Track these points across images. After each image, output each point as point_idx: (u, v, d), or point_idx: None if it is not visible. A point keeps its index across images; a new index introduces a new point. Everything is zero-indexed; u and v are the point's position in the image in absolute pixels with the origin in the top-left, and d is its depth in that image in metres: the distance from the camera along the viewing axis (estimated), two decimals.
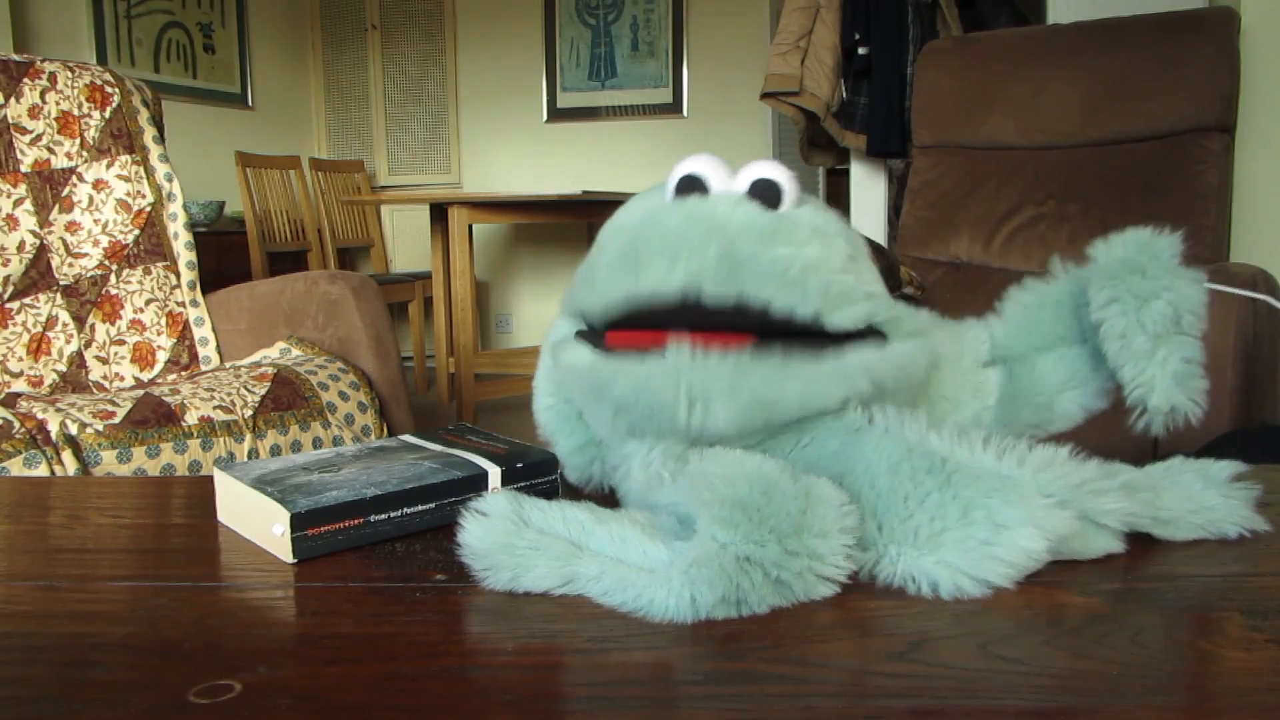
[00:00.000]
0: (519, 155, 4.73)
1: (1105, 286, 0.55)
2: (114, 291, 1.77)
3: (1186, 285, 0.54)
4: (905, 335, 0.55)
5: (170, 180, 1.85)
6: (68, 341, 1.71)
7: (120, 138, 1.81)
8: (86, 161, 1.78)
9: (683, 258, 0.50)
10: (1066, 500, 0.47)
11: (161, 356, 1.77)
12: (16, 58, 1.76)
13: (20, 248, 1.70)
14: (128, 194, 1.80)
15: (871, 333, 0.53)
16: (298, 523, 0.53)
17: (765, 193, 0.53)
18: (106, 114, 1.81)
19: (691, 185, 0.54)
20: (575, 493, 0.64)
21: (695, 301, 0.50)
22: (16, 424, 1.22)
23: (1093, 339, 0.57)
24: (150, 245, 1.81)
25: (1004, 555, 0.46)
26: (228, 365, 1.73)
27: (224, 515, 0.62)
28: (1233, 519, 0.54)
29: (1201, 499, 0.54)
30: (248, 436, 1.40)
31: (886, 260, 1.72)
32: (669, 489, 0.51)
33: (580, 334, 0.57)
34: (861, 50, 2.68)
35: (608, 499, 0.62)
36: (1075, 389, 0.59)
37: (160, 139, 1.88)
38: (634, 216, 0.55)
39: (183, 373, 1.76)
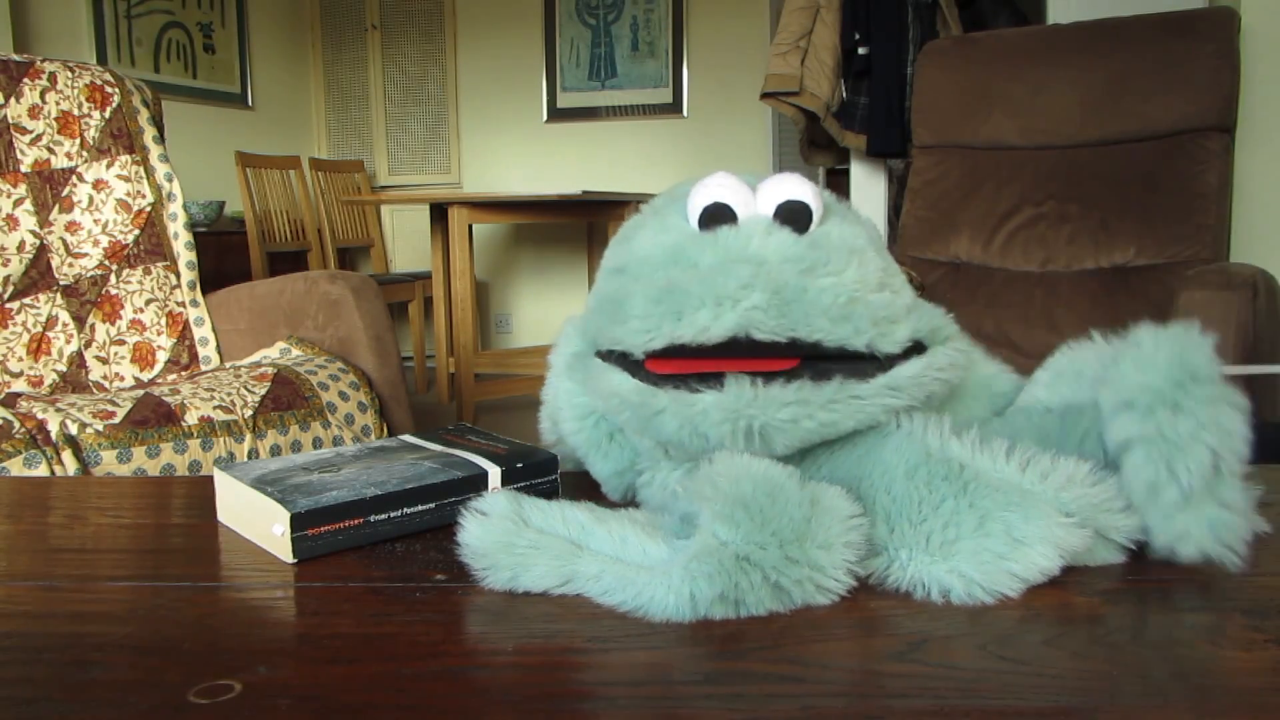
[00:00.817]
0: (519, 155, 4.73)
1: (1131, 422, 0.47)
2: (114, 291, 1.77)
3: (1229, 418, 0.46)
4: (942, 340, 0.54)
5: (170, 180, 1.85)
6: (68, 341, 1.71)
7: (120, 138, 1.81)
8: (86, 161, 1.78)
9: (727, 303, 0.48)
10: (1085, 519, 0.47)
11: (161, 356, 1.77)
12: (16, 58, 1.76)
13: (20, 248, 1.70)
14: (128, 194, 1.80)
15: (912, 348, 0.52)
16: (298, 523, 0.53)
17: (794, 217, 0.52)
18: (106, 114, 1.81)
19: (717, 215, 0.52)
20: (575, 492, 0.64)
21: (745, 342, 0.49)
22: (16, 424, 1.22)
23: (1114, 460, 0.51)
24: (150, 245, 1.81)
25: (1019, 571, 0.45)
26: (228, 365, 1.73)
27: (224, 515, 0.62)
28: None
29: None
30: (248, 436, 1.40)
31: None
32: (682, 500, 0.51)
33: (608, 358, 0.55)
34: (861, 50, 2.68)
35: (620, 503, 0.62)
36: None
37: (160, 139, 1.88)
38: (659, 248, 0.54)
39: (183, 373, 1.76)
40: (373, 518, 0.56)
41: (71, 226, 1.76)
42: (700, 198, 0.53)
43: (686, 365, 0.51)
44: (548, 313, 4.72)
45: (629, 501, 0.62)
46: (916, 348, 0.52)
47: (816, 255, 0.50)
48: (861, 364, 0.50)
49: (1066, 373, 0.57)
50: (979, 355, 0.62)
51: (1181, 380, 0.46)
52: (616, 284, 0.54)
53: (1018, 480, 0.47)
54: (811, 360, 0.50)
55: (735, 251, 0.50)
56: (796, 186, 0.52)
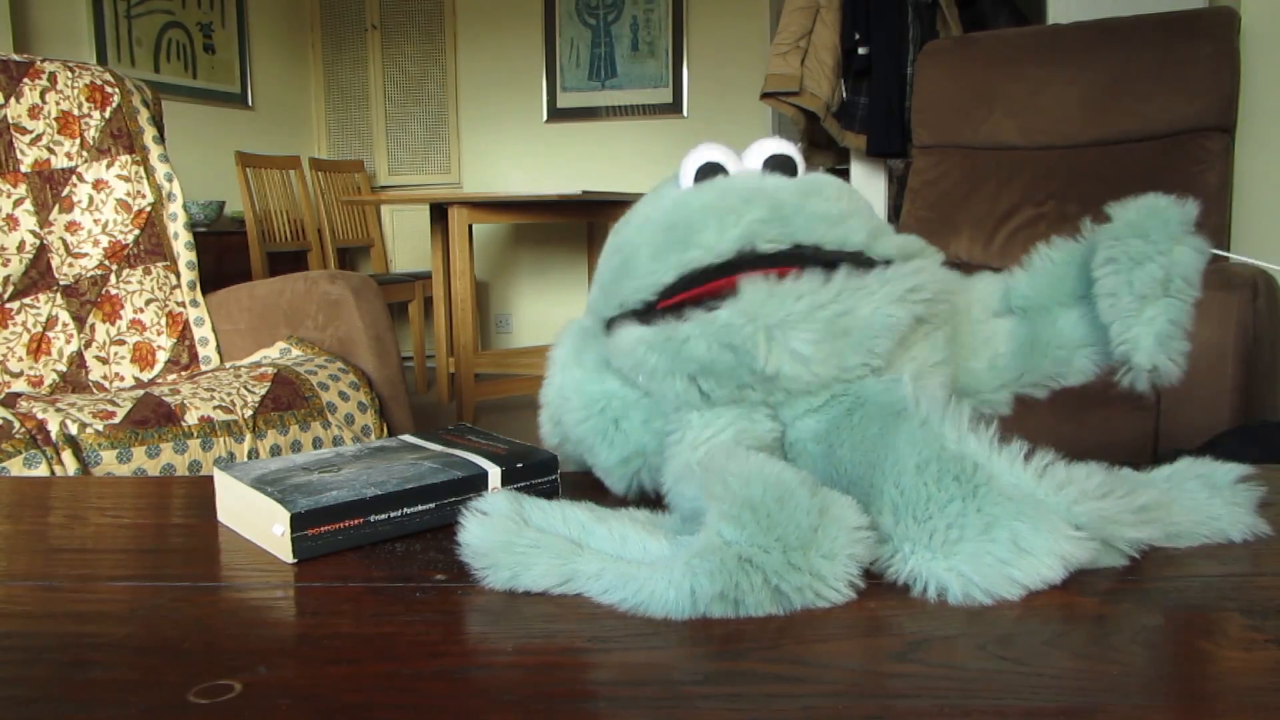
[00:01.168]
0: (519, 155, 4.73)
1: (1107, 246, 0.56)
2: (114, 291, 1.77)
3: (1184, 251, 0.54)
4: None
5: (170, 180, 1.85)
6: (68, 341, 1.71)
7: (120, 138, 1.81)
8: (86, 161, 1.78)
9: (731, 221, 0.52)
10: (1093, 532, 0.47)
11: (161, 356, 1.77)
12: (16, 58, 1.76)
13: (20, 248, 1.70)
14: (128, 194, 1.80)
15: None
16: (298, 523, 0.53)
17: (782, 165, 0.57)
18: (106, 114, 1.81)
19: (709, 171, 0.57)
20: (575, 492, 0.64)
21: (750, 256, 0.51)
22: (16, 424, 1.22)
23: None
24: (150, 245, 1.81)
25: (1020, 578, 0.45)
26: (228, 365, 1.73)
27: (224, 515, 0.62)
28: (1237, 525, 0.54)
29: (1207, 509, 0.54)
30: (248, 436, 1.40)
31: None
32: (695, 483, 0.51)
33: (625, 315, 0.57)
34: (861, 50, 2.68)
35: (649, 502, 0.62)
36: (1090, 346, 0.60)
37: (160, 139, 1.88)
38: (659, 208, 0.57)
39: (183, 373, 1.76)
40: (373, 518, 0.56)
41: (71, 226, 1.76)
42: (691, 161, 0.57)
43: (698, 291, 0.53)
44: (548, 313, 4.72)
45: (632, 497, 0.63)
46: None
47: (809, 185, 0.56)
48: (864, 269, 0.54)
49: (1069, 269, 0.61)
50: (958, 281, 0.64)
51: (1155, 218, 0.55)
52: (619, 255, 0.58)
53: (1032, 489, 0.47)
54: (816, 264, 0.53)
55: (735, 187, 0.55)
56: (780, 144, 0.57)
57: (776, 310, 0.50)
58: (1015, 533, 0.45)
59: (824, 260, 0.53)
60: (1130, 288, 0.54)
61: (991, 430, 0.49)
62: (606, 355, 0.59)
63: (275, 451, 1.43)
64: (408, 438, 0.69)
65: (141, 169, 1.82)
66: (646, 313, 0.55)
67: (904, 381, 0.52)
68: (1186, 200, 0.56)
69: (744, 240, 0.51)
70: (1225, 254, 0.67)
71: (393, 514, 0.57)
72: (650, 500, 0.61)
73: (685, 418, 0.55)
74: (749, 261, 0.52)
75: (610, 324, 0.58)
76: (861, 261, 0.54)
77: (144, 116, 1.86)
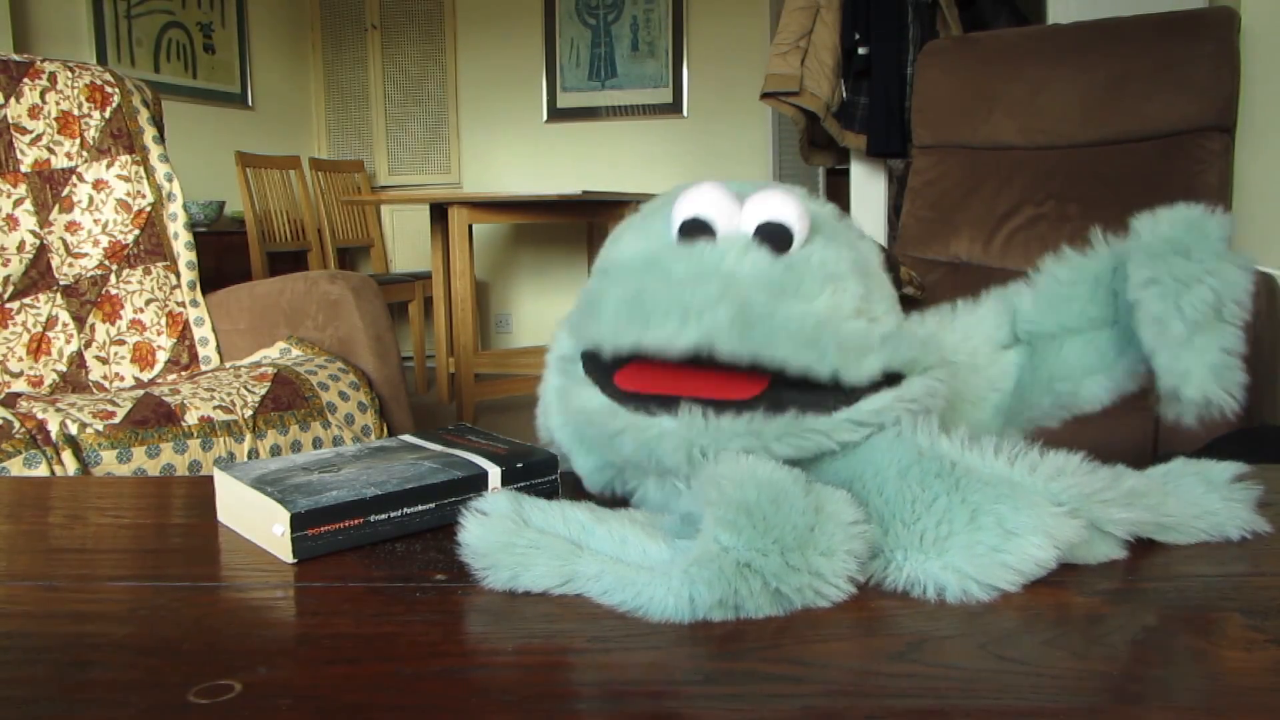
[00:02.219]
0: (519, 155, 4.73)
1: (1145, 265, 0.51)
2: (114, 291, 1.77)
3: (1232, 270, 0.51)
4: (923, 370, 0.52)
5: (170, 180, 1.85)
6: (68, 341, 1.71)
7: (120, 138, 1.81)
8: (86, 161, 1.78)
9: (693, 317, 0.47)
10: (1077, 509, 0.47)
11: (161, 356, 1.77)
12: (16, 58, 1.76)
13: (20, 248, 1.70)
14: (128, 194, 1.80)
15: (886, 379, 0.51)
16: (298, 523, 0.53)
17: (773, 237, 0.51)
18: (106, 114, 1.81)
19: (696, 228, 0.52)
20: (575, 493, 0.64)
21: (707, 359, 0.48)
22: (16, 424, 1.22)
23: (1125, 319, 0.55)
24: (150, 245, 1.81)
25: (1013, 563, 0.45)
26: (228, 365, 1.73)
27: (224, 515, 0.62)
28: (1234, 522, 0.54)
29: (1204, 503, 0.54)
30: (248, 436, 1.40)
31: (886, 259, 1.71)
32: (686, 496, 0.51)
33: (588, 365, 0.56)
34: (861, 50, 2.68)
35: (621, 502, 0.62)
36: (1102, 373, 0.57)
37: (160, 139, 1.88)
38: (637, 254, 0.53)
39: (183, 373, 1.76)
40: (373, 518, 0.56)
41: (71, 226, 1.76)
42: (682, 209, 0.52)
43: (651, 384, 0.50)
44: (548, 313, 4.72)
45: (614, 498, 0.63)
46: (891, 379, 0.51)
47: (788, 278, 0.49)
48: (826, 394, 0.49)
49: (1078, 288, 0.58)
50: (962, 331, 0.61)
51: (1193, 233, 0.51)
52: (598, 285, 0.54)
53: (1007, 473, 0.47)
54: (776, 388, 0.49)
55: (708, 266, 0.49)
56: (782, 206, 0.51)
57: (712, 442, 0.48)
58: (999, 516, 0.46)
59: (787, 381, 0.49)
60: (1181, 314, 0.50)
61: (961, 432, 0.49)
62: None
63: (275, 451, 1.43)
64: (408, 438, 0.69)
65: (141, 169, 1.82)
66: (604, 375, 0.53)
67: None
68: (1218, 210, 0.52)
69: (701, 343, 0.47)
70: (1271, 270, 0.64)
71: (393, 514, 0.57)
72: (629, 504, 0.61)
73: (640, 475, 0.55)
74: (707, 363, 0.48)
75: (583, 360, 0.56)
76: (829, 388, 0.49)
77: (144, 116, 1.86)
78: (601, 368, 0.53)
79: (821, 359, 0.48)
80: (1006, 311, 0.61)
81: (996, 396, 0.60)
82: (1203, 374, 0.50)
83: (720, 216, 0.51)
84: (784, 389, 0.49)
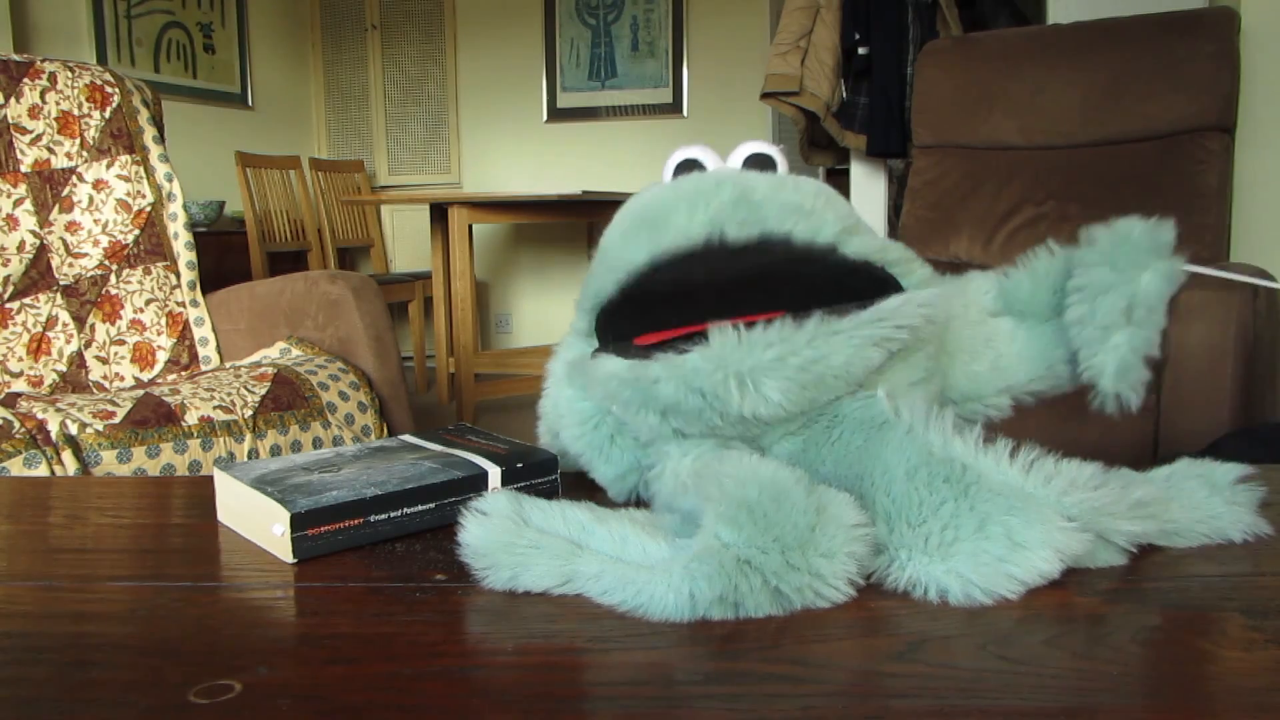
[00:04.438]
0: (519, 155, 4.73)
1: (1078, 274, 0.57)
2: (114, 291, 1.77)
3: (1150, 278, 0.55)
4: (919, 283, 0.57)
5: (170, 180, 1.85)
6: (68, 341, 1.71)
7: (120, 138, 1.81)
8: (86, 161, 1.78)
9: (701, 205, 0.52)
10: (1086, 523, 0.47)
11: (161, 356, 1.77)
12: (16, 58, 1.76)
13: (20, 248, 1.70)
14: (128, 194, 1.80)
15: (888, 288, 0.55)
16: (298, 523, 0.53)
17: (761, 164, 0.57)
18: (106, 114, 1.81)
19: (690, 167, 0.58)
20: (575, 492, 0.64)
21: (719, 243, 0.51)
22: (16, 424, 1.22)
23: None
24: (150, 245, 1.81)
25: (1018, 574, 0.45)
26: (228, 365, 1.73)
27: (224, 515, 0.62)
28: (1237, 525, 0.54)
29: (1207, 508, 0.54)
30: (248, 436, 1.40)
31: None
32: (691, 494, 0.51)
33: (598, 349, 0.57)
34: (861, 50, 2.68)
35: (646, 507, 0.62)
36: (1067, 362, 0.60)
37: (160, 139, 1.88)
38: (638, 201, 0.58)
39: (183, 373, 1.76)
40: (373, 518, 0.56)
41: (71, 226, 1.76)
42: (673, 160, 0.58)
43: (672, 333, 0.52)
44: (548, 313, 4.72)
45: (633, 503, 0.62)
46: (892, 290, 0.56)
47: (785, 180, 0.56)
48: (843, 308, 0.52)
49: (1048, 255, 0.61)
50: (954, 285, 0.64)
51: (1124, 245, 0.56)
52: (598, 252, 0.59)
53: (1020, 483, 0.47)
54: (793, 313, 0.52)
55: (709, 176, 0.56)
56: (762, 145, 0.58)
57: (745, 358, 0.49)
58: (1009, 527, 0.45)
59: (794, 256, 0.53)
60: (1093, 316, 0.55)
61: (976, 432, 0.49)
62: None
63: (275, 451, 1.43)
64: (408, 438, 0.69)
65: (141, 169, 1.82)
66: (622, 346, 0.55)
67: (880, 397, 0.52)
68: (1163, 222, 0.57)
69: (713, 223, 0.51)
70: (1207, 270, 0.67)
71: (393, 514, 0.57)
72: (644, 502, 0.61)
73: (663, 449, 0.55)
74: (716, 253, 0.51)
75: (593, 351, 0.59)
76: (833, 266, 0.54)
77: (144, 116, 1.86)
78: (618, 346, 0.55)
79: (825, 225, 0.54)
80: (994, 284, 0.64)
81: (991, 354, 0.62)
82: (1112, 370, 0.55)
83: (708, 159, 0.58)
84: (804, 313, 0.52)
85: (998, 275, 0.64)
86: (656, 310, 0.55)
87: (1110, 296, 0.55)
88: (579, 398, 0.61)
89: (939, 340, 0.59)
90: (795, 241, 0.52)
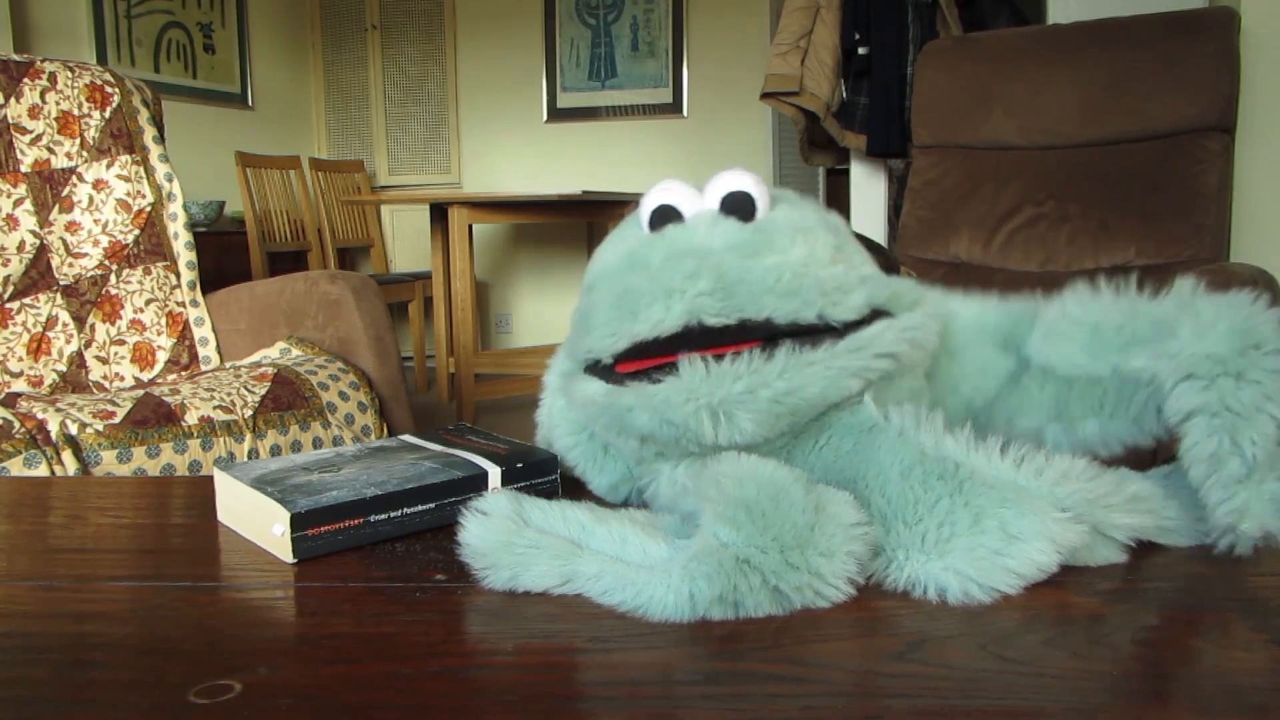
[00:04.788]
0: (519, 155, 4.73)
1: (1190, 391, 0.46)
2: (114, 291, 1.77)
3: None
4: (909, 306, 0.54)
5: (170, 180, 1.85)
6: (68, 341, 1.71)
7: (120, 138, 1.81)
8: (86, 161, 1.78)
9: (676, 296, 0.50)
10: (1081, 514, 0.47)
11: (161, 356, 1.77)
12: (16, 58, 1.76)
13: (20, 248, 1.70)
14: (128, 194, 1.80)
15: (875, 316, 0.52)
16: (298, 523, 0.53)
17: (738, 206, 0.53)
18: (106, 114, 1.81)
19: (664, 216, 0.54)
20: (575, 492, 0.64)
21: (698, 329, 0.50)
22: (16, 424, 1.22)
23: (1115, 384, 0.52)
24: (150, 245, 1.81)
25: (1015, 566, 0.45)
26: (228, 365, 1.73)
27: (224, 515, 0.62)
28: None
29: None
30: (248, 436, 1.40)
31: (886, 259, 1.72)
32: (688, 496, 0.51)
33: (588, 368, 0.57)
34: (861, 50, 2.68)
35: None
36: (1058, 423, 0.56)
37: (160, 139, 1.88)
38: (616, 258, 0.56)
39: (183, 373, 1.76)
40: (373, 518, 0.56)
41: (71, 226, 1.76)
42: (648, 202, 0.55)
43: (649, 362, 0.51)
44: (548, 313, 4.72)
45: (633, 503, 0.63)
46: (880, 316, 0.52)
47: (759, 239, 0.52)
48: (820, 336, 0.50)
49: (1076, 330, 0.55)
50: (962, 308, 0.61)
51: (1245, 349, 0.45)
52: (587, 300, 0.56)
53: (1012, 477, 0.47)
54: (769, 344, 0.50)
55: (681, 246, 0.52)
56: (739, 179, 0.54)
57: (715, 390, 0.48)
58: (1003, 520, 0.45)
59: (778, 334, 0.50)
60: (1239, 451, 0.45)
61: (967, 431, 0.49)
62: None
63: (275, 451, 1.43)
64: (408, 438, 0.69)
65: (141, 169, 1.82)
66: (604, 369, 0.54)
67: (867, 402, 0.52)
68: (1270, 307, 0.46)
69: (689, 315, 0.49)
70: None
71: (393, 514, 0.57)
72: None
73: (654, 468, 0.55)
74: (697, 335, 0.50)
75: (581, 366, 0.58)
76: (817, 329, 0.51)
77: (144, 116, 1.86)
78: (603, 370, 0.54)
79: (806, 305, 0.50)
80: (1011, 317, 0.60)
81: (968, 390, 0.59)
82: (1262, 508, 0.45)
83: (685, 202, 0.54)
84: (780, 342, 0.50)
85: (1029, 313, 0.58)
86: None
87: (1259, 421, 0.44)
88: (571, 409, 0.61)
89: (928, 363, 0.56)
90: (776, 324, 0.50)
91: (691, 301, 0.49)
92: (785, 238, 0.52)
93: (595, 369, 0.55)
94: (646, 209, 0.55)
